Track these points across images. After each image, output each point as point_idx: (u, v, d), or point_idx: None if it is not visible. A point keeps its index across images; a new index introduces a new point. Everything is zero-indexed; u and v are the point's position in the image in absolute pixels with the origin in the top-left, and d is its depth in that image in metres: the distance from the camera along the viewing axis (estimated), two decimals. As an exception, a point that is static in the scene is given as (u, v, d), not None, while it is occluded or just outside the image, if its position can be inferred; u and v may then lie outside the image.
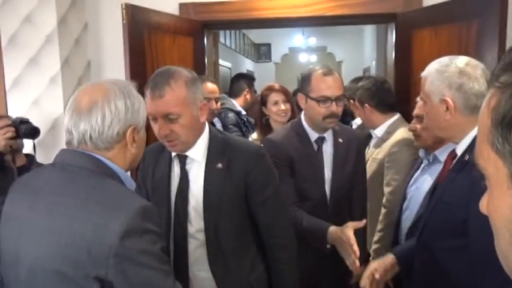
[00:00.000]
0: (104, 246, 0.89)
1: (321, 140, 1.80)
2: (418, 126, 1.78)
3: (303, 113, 1.83)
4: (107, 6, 2.86)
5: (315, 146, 1.79)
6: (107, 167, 1.03)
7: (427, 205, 1.46)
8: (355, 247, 1.47)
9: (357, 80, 2.91)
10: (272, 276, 1.52)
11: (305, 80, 1.75)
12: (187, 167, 1.45)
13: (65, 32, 2.65)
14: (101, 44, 2.91)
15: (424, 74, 1.37)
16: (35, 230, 0.97)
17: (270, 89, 2.49)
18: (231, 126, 2.71)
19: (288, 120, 2.42)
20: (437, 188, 1.44)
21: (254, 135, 2.53)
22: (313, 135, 1.79)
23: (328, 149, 1.81)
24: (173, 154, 1.47)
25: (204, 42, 3.00)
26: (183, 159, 1.45)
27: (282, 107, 2.40)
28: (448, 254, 1.28)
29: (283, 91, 2.46)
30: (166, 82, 1.31)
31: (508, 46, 2.05)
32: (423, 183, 1.70)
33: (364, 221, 1.58)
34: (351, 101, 2.81)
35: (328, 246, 1.60)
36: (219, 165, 1.41)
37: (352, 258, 1.48)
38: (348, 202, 1.85)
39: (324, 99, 1.67)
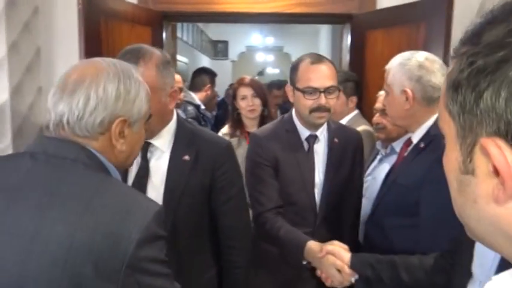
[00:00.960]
0: (115, 257, 0.76)
1: (312, 139, 1.60)
2: (384, 120, 1.87)
3: (294, 107, 1.66)
4: (60, -10, 2.75)
5: (306, 145, 1.60)
6: (99, 160, 0.88)
7: (381, 187, 1.56)
8: (341, 255, 1.27)
9: None
10: (224, 279, 1.46)
11: (293, 70, 1.56)
12: (149, 155, 1.34)
13: (12, 14, 2.51)
14: (53, 30, 2.78)
15: (387, 66, 1.47)
16: (16, 236, 0.77)
17: (239, 82, 2.42)
18: (190, 120, 2.68)
19: (262, 117, 2.36)
20: (391, 172, 1.54)
21: (224, 130, 2.45)
22: (304, 133, 1.60)
23: (321, 150, 1.62)
24: None
25: (162, 33, 2.96)
26: (145, 146, 1.30)
27: (250, 102, 2.32)
28: (398, 232, 1.39)
29: (253, 85, 2.37)
30: (135, 63, 1.18)
31: (452, 47, 2.21)
32: (380, 173, 1.80)
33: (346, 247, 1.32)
34: None
35: (305, 262, 1.41)
36: (186, 157, 1.32)
37: (344, 272, 1.25)
38: (339, 211, 1.66)
39: (310, 90, 1.48)
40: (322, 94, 1.48)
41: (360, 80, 2.60)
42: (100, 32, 2.40)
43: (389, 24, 2.54)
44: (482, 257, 0.89)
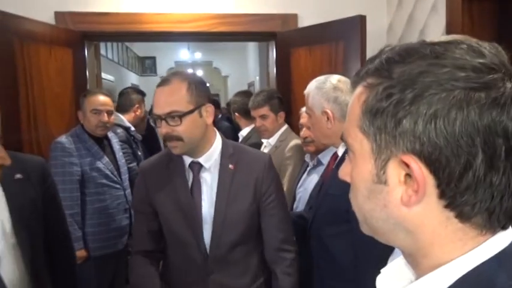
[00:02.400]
0: None
1: (196, 166, 1.39)
2: (312, 134, 1.95)
3: None
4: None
5: (190, 175, 1.39)
6: None
7: (316, 199, 1.63)
8: None
9: (241, 94, 3.04)
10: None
11: None
12: None
13: None
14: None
15: (306, 91, 1.57)
16: None
17: None
18: (120, 143, 2.58)
19: None
20: (323, 184, 1.63)
21: None
22: (187, 160, 1.40)
23: (210, 178, 1.39)
24: None
25: (84, 54, 2.85)
26: None
27: None
28: (334, 239, 1.48)
29: None
30: None
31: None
32: (309, 183, 1.88)
33: None
34: (236, 113, 2.95)
35: None
36: (18, 175, 1.33)
37: None
38: (247, 247, 1.42)
39: (155, 117, 1.32)
40: (164, 121, 1.30)
41: (286, 95, 2.71)
42: (14, 55, 2.25)
43: (311, 42, 2.68)
44: None
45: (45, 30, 2.51)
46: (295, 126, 2.56)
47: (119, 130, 2.73)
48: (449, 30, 2.18)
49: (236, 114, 2.96)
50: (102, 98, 2.31)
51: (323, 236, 1.53)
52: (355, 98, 0.52)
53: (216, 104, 5.90)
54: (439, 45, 0.46)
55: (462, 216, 0.45)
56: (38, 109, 2.42)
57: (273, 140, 2.42)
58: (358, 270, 1.39)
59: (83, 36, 2.77)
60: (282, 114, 2.44)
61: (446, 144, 0.43)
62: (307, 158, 2.03)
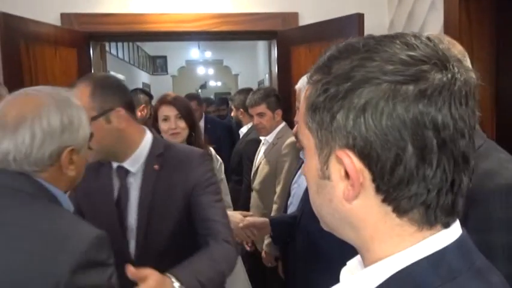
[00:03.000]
0: (48, 283, 0.75)
1: (123, 172, 1.27)
2: None
3: None
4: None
5: (116, 180, 1.28)
6: (47, 190, 0.89)
7: (305, 195, 1.66)
8: None
9: (243, 91, 3.08)
10: None
11: None
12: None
13: None
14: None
15: (297, 86, 1.57)
16: None
17: (161, 100, 2.01)
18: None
19: (188, 143, 1.92)
20: None
21: None
22: (115, 165, 1.29)
23: (137, 183, 1.26)
24: None
25: (89, 54, 2.92)
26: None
27: (173, 124, 1.93)
28: (322, 235, 1.48)
29: (176, 104, 1.96)
30: None
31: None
32: (303, 180, 1.91)
33: None
34: (241, 109, 3.00)
35: None
36: None
37: None
38: (180, 256, 1.20)
39: None
40: None
41: (287, 92, 2.74)
42: (20, 56, 2.33)
43: (311, 40, 2.69)
44: None
45: (50, 31, 2.58)
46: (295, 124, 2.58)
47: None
48: (446, 27, 2.18)
49: (241, 110, 3.02)
50: None
51: (310, 231, 1.55)
52: (303, 95, 0.52)
53: (225, 102, 5.94)
54: (373, 39, 0.47)
55: (399, 211, 0.45)
56: (44, 108, 2.49)
57: (270, 138, 2.45)
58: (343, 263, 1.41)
59: (88, 36, 2.84)
60: (279, 112, 2.46)
61: (376, 138, 0.43)
62: (301, 154, 2.06)
